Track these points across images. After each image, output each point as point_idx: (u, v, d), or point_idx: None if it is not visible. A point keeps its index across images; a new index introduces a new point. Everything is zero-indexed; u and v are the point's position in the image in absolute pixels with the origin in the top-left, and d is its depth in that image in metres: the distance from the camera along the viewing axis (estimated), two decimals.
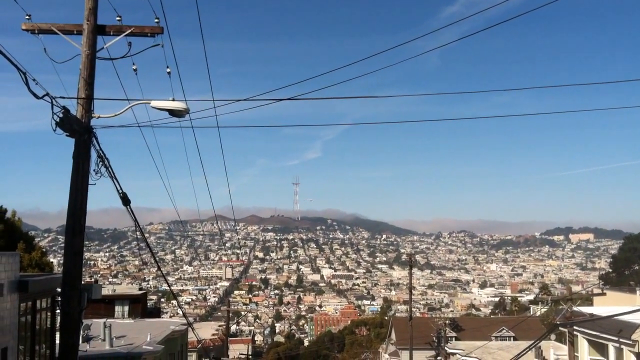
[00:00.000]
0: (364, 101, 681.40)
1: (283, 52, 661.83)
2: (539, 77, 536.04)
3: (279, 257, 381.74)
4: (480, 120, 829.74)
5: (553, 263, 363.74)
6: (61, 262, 14.36)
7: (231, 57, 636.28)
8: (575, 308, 30.90)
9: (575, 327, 29.78)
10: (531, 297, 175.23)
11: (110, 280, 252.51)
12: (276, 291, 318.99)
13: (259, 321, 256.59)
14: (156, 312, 66.22)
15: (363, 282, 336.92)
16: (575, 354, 30.67)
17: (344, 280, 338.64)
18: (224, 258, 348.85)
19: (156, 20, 13.97)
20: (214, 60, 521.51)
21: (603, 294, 39.66)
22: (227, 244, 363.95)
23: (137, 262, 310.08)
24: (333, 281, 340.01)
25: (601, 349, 28.94)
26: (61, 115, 12.47)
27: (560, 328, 32.63)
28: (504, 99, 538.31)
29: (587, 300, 43.21)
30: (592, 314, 29.90)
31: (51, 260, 37.18)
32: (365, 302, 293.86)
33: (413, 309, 58.22)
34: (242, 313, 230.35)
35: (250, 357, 72.06)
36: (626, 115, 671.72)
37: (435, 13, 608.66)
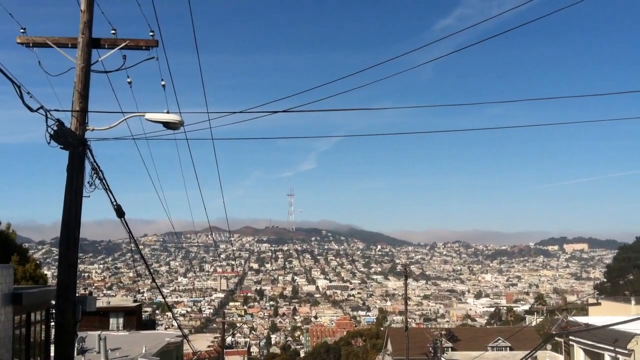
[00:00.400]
0: (358, 113, 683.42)
1: (278, 65, 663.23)
2: (533, 89, 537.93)
3: (274, 268, 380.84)
4: (475, 132, 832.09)
5: (548, 273, 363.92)
6: (55, 274, 14.34)
7: (226, 70, 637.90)
8: (570, 318, 30.97)
9: (571, 337, 29.83)
10: (526, 307, 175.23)
11: (104, 292, 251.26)
12: (271, 302, 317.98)
13: (254, 333, 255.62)
14: (151, 324, 65.98)
15: (358, 293, 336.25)
16: None
17: (339, 291, 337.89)
18: (219, 269, 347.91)
19: (151, 33, 14.03)
20: (209, 73, 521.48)
21: (598, 303, 39.76)
22: (221, 255, 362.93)
23: (131, 274, 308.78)
24: (328, 292, 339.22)
25: (597, 358, 28.97)
26: (55, 127, 12.49)
27: (556, 338, 32.69)
28: (498, 111, 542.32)
29: (582, 310, 43.25)
30: (587, 323, 29.96)
31: (45, 272, 36.99)
32: (361, 312, 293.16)
33: (409, 320, 58.17)
34: (238, 324, 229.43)
35: None
36: (620, 126, 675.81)
37: (429, 26, 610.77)
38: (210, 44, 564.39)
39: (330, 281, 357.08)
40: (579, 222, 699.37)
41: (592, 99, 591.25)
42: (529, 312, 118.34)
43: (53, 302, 18.02)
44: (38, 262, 35.53)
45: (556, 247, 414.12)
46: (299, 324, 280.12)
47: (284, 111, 14.52)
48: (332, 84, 14.62)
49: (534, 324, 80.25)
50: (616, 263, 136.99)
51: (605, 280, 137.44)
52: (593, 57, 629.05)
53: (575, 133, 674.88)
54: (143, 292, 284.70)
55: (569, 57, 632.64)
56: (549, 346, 46.09)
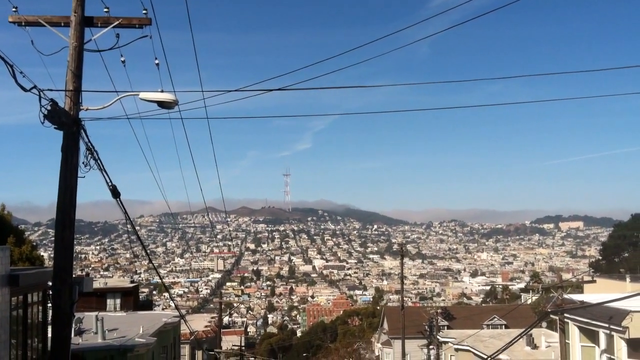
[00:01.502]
0: (354, 92, 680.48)
1: (273, 43, 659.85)
2: (531, 66, 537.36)
3: (270, 248, 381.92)
4: (471, 109, 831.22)
5: (543, 251, 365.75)
6: (52, 255, 14.30)
7: (221, 49, 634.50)
8: (565, 295, 31.07)
9: (566, 315, 29.95)
10: (522, 285, 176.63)
11: (101, 273, 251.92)
12: (268, 282, 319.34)
13: (251, 312, 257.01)
14: (148, 305, 66.15)
15: (355, 273, 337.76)
16: (567, 341, 30.87)
17: (335, 271, 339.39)
18: (216, 250, 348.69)
19: (144, 11, 13.88)
20: (203, 52, 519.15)
21: (593, 281, 39.90)
22: (218, 236, 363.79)
23: (128, 255, 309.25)
24: (325, 272, 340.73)
25: (592, 335, 29.13)
26: (49, 107, 12.38)
27: (551, 315, 32.81)
28: (495, 88, 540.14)
29: (578, 287, 43.48)
30: (582, 301, 30.08)
31: (42, 254, 37.02)
32: (357, 292, 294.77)
33: (405, 299, 58.44)
34: (235, 305, 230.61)
35: (243, 348, 72.14)
36: (616, 103, 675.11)
37: (425, 3, 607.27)
38: (204, 23, 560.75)
39: (327, 261, 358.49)
40: (574, 200, 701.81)
41: (589, 75, 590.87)
42: (525, 290, 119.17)
43: (50, 284, 18.01)
44: (34, 243, 35.53)
45: (552, 226, 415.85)
46: (295, 304, 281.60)
47: (278, 89, 14.39)
48: (327, 62, 14.49)
49: (529, 301, 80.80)
50: (611, 241, 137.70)
51: (600, 258, 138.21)
52: (594, 33, 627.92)
53: (571, 111, 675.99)
54: (140, 273, 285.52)
55: (566, 33, 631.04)
56: (544, 324, 46.41)
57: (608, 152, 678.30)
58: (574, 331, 30.17)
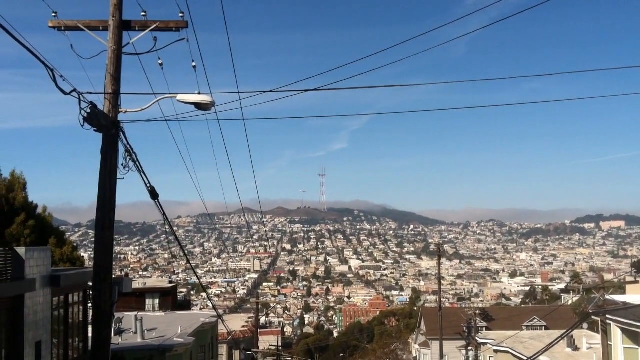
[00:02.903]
0: (390, 91, 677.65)
1: (308, 43, 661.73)
2: (570, 63, 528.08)
3: (306, 248, 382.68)
4: (510, 108, 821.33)
5: (584, 251, 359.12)
6: (92, 256, 14.52)
7: (256, 49, 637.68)
8: (607, 296, 30.48)
9: (608, 316, 29.34)
10: (562, 285, 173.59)
11: (140, 273, 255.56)
12: (304, 283, 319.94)
13: (288, 313, 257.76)
14: (186, 305, 66.84)
15: (391, 273, 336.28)
16: (609, 342, 30.24)
17: (372, 271, 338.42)
18: (252, 250, 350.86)
19: (181, 14, 14.00)
20: (239, 53, 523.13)
21: (636, 281, 39.09)
22: (254, 237, 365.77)
23: (166, 256, 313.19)
24: (361, 272, 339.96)
25: (635, 337, 28.49)
26: (89, 110, 12.58)
27: (592, 317, 32.22)
28: (534, 86, 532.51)
29: (620, 288, 42.60)
30: (625, 302, 29.47)
31: (82, 254, 37.60)
32: (394, 292, 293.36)
33: (442, 299, 57.97)
34: (271, 305, 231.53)
35: (280, 348, 72.40)
36: None
37: (460, 1, 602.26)
38: (240, 24, 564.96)
39: (363, 261, 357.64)
40: (615, 199, 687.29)
41: (630, 72, 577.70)
42: (565, 290, 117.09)
43: (90, 284, 18.29)
44: (75, 244, 36.08)
45: (592, 225, 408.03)
46: (332, 304, 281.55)
47: (314, 89, 14.37)
48: (362, 61, 14.41)
49: (570, 302, 79.42)
50: None
51: None
52: (631, 29, 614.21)
53: (612, 108, 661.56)
54: (178, 273, 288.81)
55: (607, 30, 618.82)
56: (585, 325, 45.55)
57: None
58: (616, 333, 29.54)
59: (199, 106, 13.91)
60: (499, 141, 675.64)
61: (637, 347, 28.64)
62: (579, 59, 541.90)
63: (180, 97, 13.88)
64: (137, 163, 14.01)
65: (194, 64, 14.63)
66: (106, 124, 13.39)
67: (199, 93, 13.91)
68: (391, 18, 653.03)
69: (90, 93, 12.94)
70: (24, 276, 16.42)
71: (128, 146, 13.83)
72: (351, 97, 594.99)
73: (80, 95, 12.26)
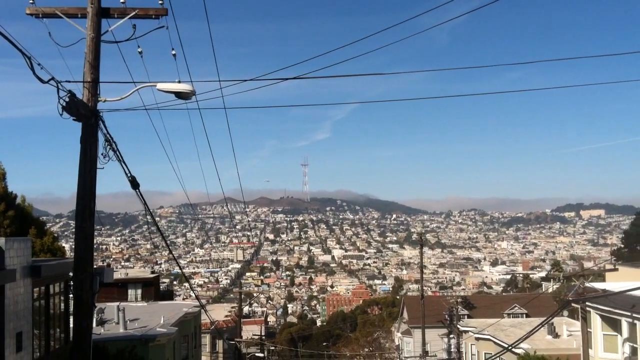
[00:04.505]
0: (373, 80, 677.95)
1: (290, 32, 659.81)
2: (551, 52, 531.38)
3: (289, 238, 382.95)
4: (491, 97, 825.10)
5: (564, 240, 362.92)
6: (73, 247, 14.41)
7: (238, 38, 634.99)
8: (587, 284, 30.80)
9: (587, 303, 29.69)
10: (543, 274, 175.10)
11: (122, 264, 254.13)
12: (287, 272, 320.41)
13: (271, 302, 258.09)
14: (169, 295, 66.64)
15: (374, 262, 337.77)
16: (588, 329, 30.63)
17: (355, 261, 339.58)
18: (235, 240, 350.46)
19: (160, 1, 13.86)
20: (220, 42, 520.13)
21: (615, 269, 39.49)
22: (237, 226, 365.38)
23: (148, 246, 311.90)
24: (344, 262, 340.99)
25: (614, 324, 28.87)
26: (67, 99, 12.42)
27: (572, 304, 32.58)
28: (515, 75, 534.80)
29: (600, 276, 43.04)
30: (604, 289, 29.81)
31: (64, 245, 37.35)
32: (377, 281, 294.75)
33: (425, 288, 58.33)
34: (254, 294, 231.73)
35: (264, 337, 72.47)
36: (637, 89, 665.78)
37: None
38: (219, 12, 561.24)
39: (346, 251, 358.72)
40: (595, 187, 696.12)
41: (611, 59, 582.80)
42: (546, 279, 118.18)
43: (71, 274, 18.18)
44: (56, 235, 35.82)
45: (573, 214, 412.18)
46: (315, 294, 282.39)
47: (294, 77, 14.34)
48: (344, 50, 14.37)
49: (550, 290, 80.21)
50: (633, 228, 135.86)
51: (622, 246, 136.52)
52: (619, 15, 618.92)
53: (591, 97, 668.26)
54: (160, 263, 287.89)
55: (590, 18, 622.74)
56: (565, 312, 46.09)
57: (630, 139, 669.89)
58: (595, 320, 29.92)
59: (179, 95, 13.80)
60: (482, 131, 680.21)
61: (616, 333, 29.03)
62: (561, 47, 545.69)
63: (160, 85, 13.77)
64: (117, 152, 13.90)
65: (173, 52, 14.51)
66: (85, 113, 13.24)
67: (179, 82, 13.80)
68: (375, 6, 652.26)
69: (69, 82, 12.78)
70: (4, 267, 16.27)
71: (108, 135, 13.72)
72: (335, 87, 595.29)
73: (59, 84, 12.10)
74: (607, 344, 29.64)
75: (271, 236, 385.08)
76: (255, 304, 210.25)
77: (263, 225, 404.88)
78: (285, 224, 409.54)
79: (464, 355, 51.75)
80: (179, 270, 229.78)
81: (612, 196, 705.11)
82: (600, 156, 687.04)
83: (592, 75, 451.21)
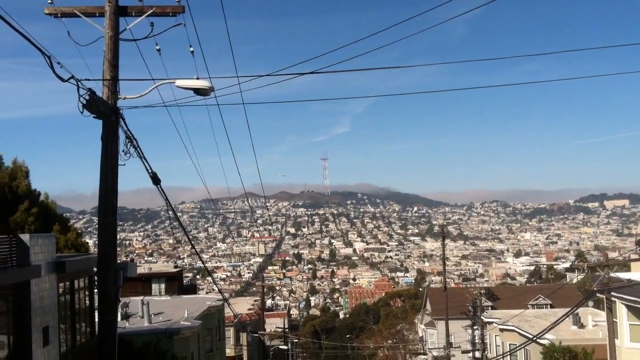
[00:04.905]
0: (391, 73, 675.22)
1: (307, 28, 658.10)
2: (572, 43, 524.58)
3: (310, 232, 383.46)
4: (511, 88, 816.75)
5: (588, 230, 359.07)
6: (96, 242, 14.60)
7: (255, 34, 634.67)
8: (612, 274, 30.48)
9: (613, 293, 29.41)
10: (567, 264, 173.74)
11: (146, 259, 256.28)
12: (309, 266, 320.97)
13: (293, 295, 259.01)
14: (192, 289, 67.21)
15: (396, 255, 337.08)
16: (614, 319, 30.34)
17: (376, 253, 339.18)
18: (257, 234, 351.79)
19: None
20: (237, 38, 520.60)
21: None
22: (258, 221, 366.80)
23: (171, 241, 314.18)
24: (366, 254, 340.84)
25: None
26: (87, 97, 12.55)
27: (597, 294, 32.27)
28: (534, 66, 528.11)
29: (625, 266, 42.55)
30: (630, 279, 29.51)
31: (87, 241, 37.75)
32: (399, 274, 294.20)
33: (447, 280, 58.12)
34: (277, 288, 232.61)
35: (287, 330, 72.81)
36: None
37: None
38: (238, 9, 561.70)
39: (367, 244, 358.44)
40: (619, 178, 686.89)
41: (633, 49, 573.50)
42: (570, 269, 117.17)
43: (95, 270, 18.39)
44: (79, 231, 36.22)
45: (596, 204, 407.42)
46: (337, 286, 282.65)
47: (311, 72, 14.32)
48: (361, 44, 14.34)
49: (574, 281, 79.51)
50: None
51: None
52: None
53: (615, 87, 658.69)
54: (183, 258, 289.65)
55: (611, 7, 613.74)
56: (590, 303, 45.63)
57: None
58: (621, 310, 29.63)
59: (197, 91, 13.89)
60: (503, 122, 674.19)
61: None
62: (580, 38, 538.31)
63: (178, 82, 13.86)
64: (138, 149, 14.02)
65: (191, 49, 14.59)
66: (105, 110, 13.38)
67: (197, 78, 13.88)
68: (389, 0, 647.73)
69: (89, 80, 12.91)
70: (29, 263, 16.50)
71: (128, 132, 13.84)
72: (354, 81, 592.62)
73: (79, 82, 12.23)
74: (634, 333, 29.36)
75: (292, 230, 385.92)
76: (277, 297, 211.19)
77: (284, 219, 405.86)
78: (306, 218, 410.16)
79: (488, 346, 51.53)
80: (202, 265, 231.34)
81: (636, 186, 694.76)
82: (623, 146, 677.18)
83: (616, 64, 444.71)
